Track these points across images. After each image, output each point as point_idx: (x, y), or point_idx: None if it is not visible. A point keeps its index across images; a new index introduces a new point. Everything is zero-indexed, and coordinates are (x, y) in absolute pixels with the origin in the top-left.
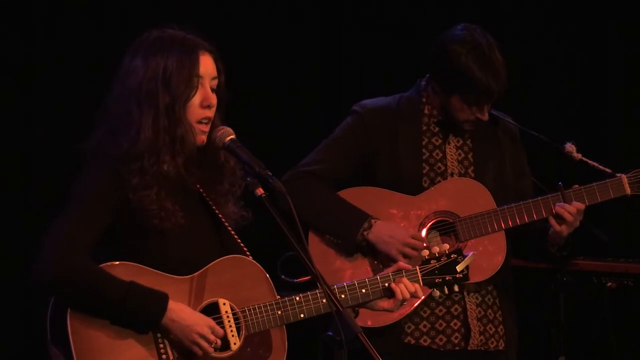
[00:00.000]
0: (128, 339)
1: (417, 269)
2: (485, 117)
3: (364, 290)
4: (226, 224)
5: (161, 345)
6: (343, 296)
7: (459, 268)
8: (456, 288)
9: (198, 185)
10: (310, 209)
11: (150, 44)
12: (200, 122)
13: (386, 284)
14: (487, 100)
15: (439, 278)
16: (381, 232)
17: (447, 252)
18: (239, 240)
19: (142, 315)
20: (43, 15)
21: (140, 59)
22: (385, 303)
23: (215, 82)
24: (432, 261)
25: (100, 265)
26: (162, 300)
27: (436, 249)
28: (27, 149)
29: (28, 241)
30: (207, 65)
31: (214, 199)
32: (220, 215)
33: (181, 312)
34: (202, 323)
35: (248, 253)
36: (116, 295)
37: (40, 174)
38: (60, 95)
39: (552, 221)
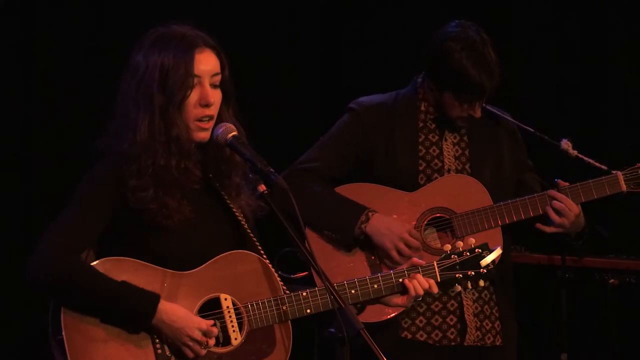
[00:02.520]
0: (123, 334)
1: (435, 264)
2: (478, 114)
3: (375, 286)
4: (239, 217)
5: (157, 341)
6: (353, 291)
7: (483, 263)
8: (482, 283)
9: (212, 177)
10: (307, 205)
11: (151, 42)
12: (200, 121)
13: (400, 280)
14: (479, 98)
15: (460, 273)
16: (379, 224)
17: (472, 246)
18: (250, 234)
19: (132, 315)
20: (46, 12)
21: (141, 56)
22: (399, 299)
23: (218, 78)
24: (452, 256)
25: (94, 263)
26: (152, 301)
27: (460, 244)
28: (27, 148)
29: (28, 237)
30: (206, 62)
31: (227, 192)
32: (233, 209)
33: (171, 315)
34: (192, 325)
35: (258, 245)
36: (106, 295)
37: (41, 174)
38: (59, 93)
39: (551, 214)
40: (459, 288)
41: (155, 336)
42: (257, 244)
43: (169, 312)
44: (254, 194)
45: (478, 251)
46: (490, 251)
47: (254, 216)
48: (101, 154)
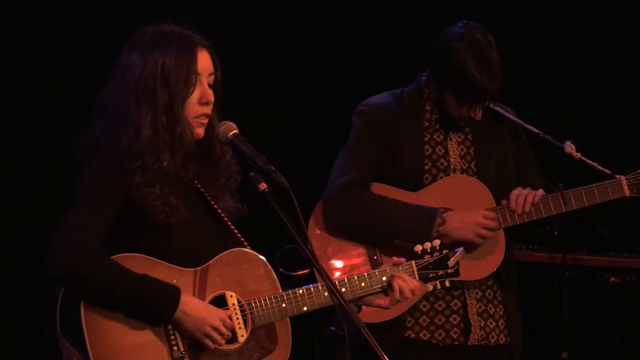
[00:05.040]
0: (140, 330)
1: (413, 264)
2: (478, 116)
3: (362, 284)
4: (225, 218)
5: (172, 337)
6: (344, 289)
7: (450, 263)
8: (447, 283)
9: (196, 181)
10: (372, 218)
11: (147, 40)
12: (198, 118)
13: (384, 278)
14: (479, 101)
15: (433, 273)
16: (454, 222)
17: (437, 246)
18: (238, 234)
19: (155, 308)
20: (41, 10)
21: (137, 55)
22: (381, 300)
23: (212, 78)
24: (425, 256)
25: (112, 257)
26: (174, 293)
27: (427, 244)
28: (26, 148)
29: (28, 238)
30: (204, 61)
31: (211, 193)
32: (219, 210)
33: (193, 306)
34: (214, 315)
35: (247, 245)
36: (129, 288)
37: (37, 172)
38: (57, 93)
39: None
40: (430, 288)
41: (171, 332)
42: (245, 243)
43: (190, 304)
44: (234, 197)
45: (445, 251)
46: (455, 252)
47: (234, 218)
48: (95, 152)
